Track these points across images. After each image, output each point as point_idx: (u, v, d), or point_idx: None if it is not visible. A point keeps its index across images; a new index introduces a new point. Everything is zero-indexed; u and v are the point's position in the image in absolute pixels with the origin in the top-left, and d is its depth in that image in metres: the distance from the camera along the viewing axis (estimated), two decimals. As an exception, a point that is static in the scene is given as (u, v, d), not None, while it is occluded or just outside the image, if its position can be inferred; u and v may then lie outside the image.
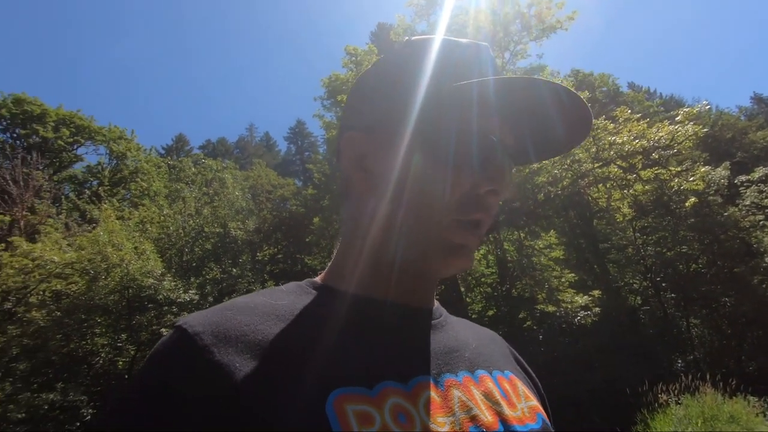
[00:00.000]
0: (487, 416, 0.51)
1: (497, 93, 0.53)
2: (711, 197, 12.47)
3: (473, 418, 0.49)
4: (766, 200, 11.91)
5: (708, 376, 6.78)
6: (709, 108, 30.47)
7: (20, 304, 8.42)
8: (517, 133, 0.59)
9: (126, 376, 9.28)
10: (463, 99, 0.53)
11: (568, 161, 7.28)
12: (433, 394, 0.49)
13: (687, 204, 6.94)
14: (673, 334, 13.89)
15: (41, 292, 8.91)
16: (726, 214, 12.05)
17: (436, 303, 0.66)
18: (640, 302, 17.14)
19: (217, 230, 11.00)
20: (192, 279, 9.74)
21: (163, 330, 8.17)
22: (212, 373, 0.42)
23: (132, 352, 9.15)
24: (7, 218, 12.03)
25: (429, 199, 0.54)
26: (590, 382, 10.03)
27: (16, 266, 8.41)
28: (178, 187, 11.82)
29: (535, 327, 13.75)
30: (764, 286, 11.22)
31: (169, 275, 8.92)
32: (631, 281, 17.64)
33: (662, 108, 20.75)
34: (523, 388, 0.61)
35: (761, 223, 11.45)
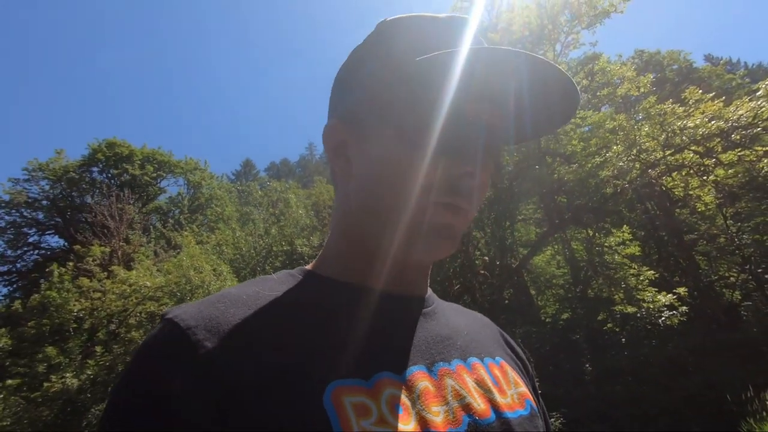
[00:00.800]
0: (480, 404, 0.51)
1: (472, 66, 0.49)
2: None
3: (466, 406, 0.50)
4: None
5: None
6: (808, 72, 26.81)
7: (122, 325, 9.44)
8: (503, 109, 0.56)
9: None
10: (429, 75, 0.50)
11: (635, 151, 6.76)
12: (428, 383, 0.50)
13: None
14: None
15: (138, 314, 9.95)
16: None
17: (429, 291, 0.66)
18: (740, 297, 15.37)
19: (285, 248, 11.62)
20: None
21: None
22: (206, 368, 0.41)
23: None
24: (108, 249, 13.62)
25: (403, 184, 0.53)
26: (685, 388, 9.16)
27: (117, 292, 9.48)
28: (248, 210, 12.68)
29: (617, 329, 12.82)
30: None
31: (244, 294, 9.57)
32: (726, 274, 15.89)
33: (747, 79, 18.61)
34: (513, 374, 0.61)
35: None
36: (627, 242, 8.45)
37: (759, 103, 5.86)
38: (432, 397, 0.48)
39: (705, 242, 16.32)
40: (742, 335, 11.77)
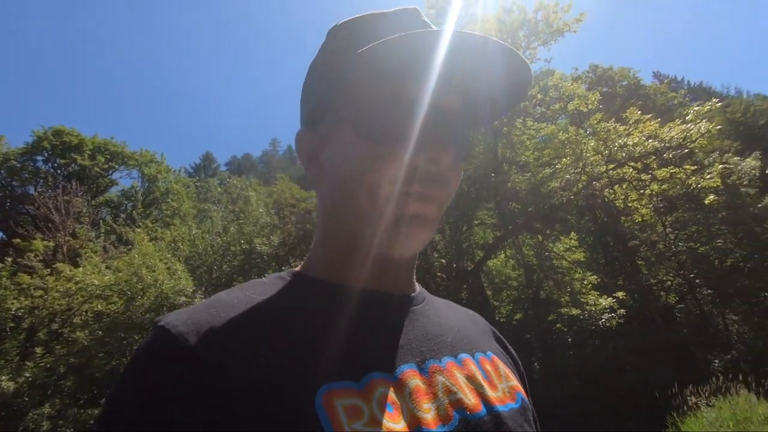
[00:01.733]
0: (471, 399, 0.52)
1: (416, 51, 0.49)
2: (743, 188, 12.02)
3: (457, 402, 0.50)
4: (801, 190, 11.40)
5: (741, 377, 6.56)
6: (741, 94, 29.26)
7: (65, 325, 8.99)
8: (457, 92, 0.55)
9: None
10: (372, 66, 0.51)
11: (581, 164, 7.28)
12: (419, 381, 0.50)
13: (706, 201, 6.78)
14: (709, 333, 13.38)
15: (84, 313, 9.50)
16: (760, 205, 11.59)
17: (418, 287, 0.66)
18: (675, 300, 16.57)
19: (244, 246, 11.43)
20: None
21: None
22: (199, 373, 0.42)
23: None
24: (51, 244, 12.85)
25: (370, 178, 0.53)
26: (623, 386, 9.76)
27: (61, 289, 9.01)
28: (206, 207, 12.36)
29: (565, 329, 13.49)
30: (805, 279, 10.69)
31: (200, 292, 9.35)
32: (664, 278, 17.10)
33: (689, 98, 20.08)
34: (503, 368, 0.62)
35: (797, 213, 10.96)
36: (573, 248, 8.99)
37: (688, 126, 6.50)
38: (423, 394, 0.49)
39: (646, 248, 17.50)
40: (675, 336, 12.73)
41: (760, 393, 6.30)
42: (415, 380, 0.50)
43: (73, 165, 18.36)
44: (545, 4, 7.97)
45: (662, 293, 16.85)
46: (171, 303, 8.74)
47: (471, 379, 0.55)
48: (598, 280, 9.17)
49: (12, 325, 9.53)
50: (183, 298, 8.63)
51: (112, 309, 9.28)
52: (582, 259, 9.43)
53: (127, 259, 8.75)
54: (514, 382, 0.61)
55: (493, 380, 0.58)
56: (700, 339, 13.08)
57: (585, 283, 8.83)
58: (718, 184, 7.10)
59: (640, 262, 17.07)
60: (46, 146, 18.20)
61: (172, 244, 11.88)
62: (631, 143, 6.74)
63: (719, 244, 13.95)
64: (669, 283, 16.88)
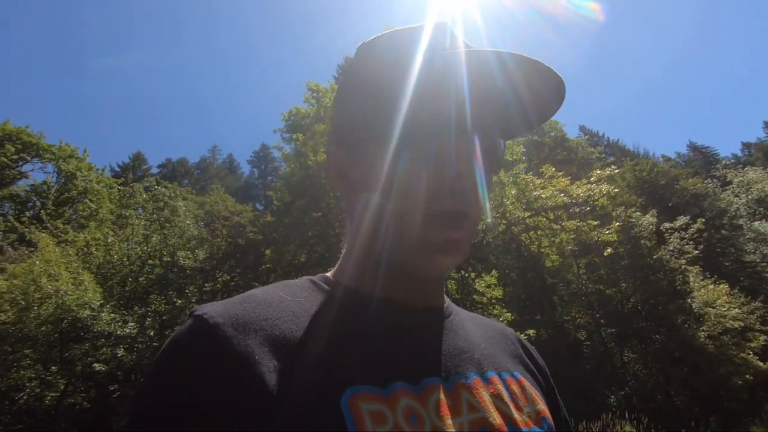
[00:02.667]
0: (495, 418, 0.51)
1: (449, 70, 0.52)
2: (642, 240, 13.54)
3: (481, 421, 0.50)
4: (686, 246, 13.08)
5: (627, 414, 7.24)
6: (648, 154, 33.19)
7: (-61, 334, 7.92)
8: (491, 107, 0.57)
9: (53, 412, 8.77)
10: (400, 86, 0.53)
11: (501, 210, 7.93)
12: (443, 396, 0.50)
13: (605, 253, 7.65)
14: (608, 370, 14.61)
15: (-36, 321, 8.39)
16: (655, 256, 13.09)
17: (447, 300, 0.66)
18: (584, 337, 17.96)
19: (166, 259, 10.81)
20: (136, 308, 9.46)
21: (96, 364, 7.87)
22: (234, 365, 0.43)
23: (62, 386, 8.70)
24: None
25: (399, 198, 0.54)
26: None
27: (-62, 293, 7.94)
28: (127, 213, 11.59)
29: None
30: (686, 326, 12.17)
31: (108, 306, 8.66)
32: (576, 316, 18.53)
33: (604, 155, 22.41)
34: (530, 390, 0.60)
35: (682, 267, 12.53)
36: (493, 285, 9.62)
37: (592, 186, 7.43)
38: (447, 409, 0.49)
39: (562, 287, 18.92)
40: (579, 370, 13.79)
41: (641, 429, 6.98)
42: (439, 394, 0.50)
43: (-26, 152, 16.45)
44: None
45: (574, 330, 18.28)
46: (73, 316, 8.02)
47: (497, 398, 0.54)
48: (513, 317, 9.80)
49: None
50: (87, 311, 7.95)
51: (1, 318, 8.32)
52: (500, 296, 10.06)
53: (25, 265, 7.93)
54: (541, 405, 0.59)
55: (519, 402, 0.56)
56: (600, 374, 14.30)
57: (501, 319, 9.41)
58: (615, 238, 8.05)
59: (555, 299, 18.42)
60: (-56, 127, 16.20)
61: (84, 249, 10.94)
62: (544, 196, 7.51)
63: (623, 286, 15.49)
64: (579, 320, 18.37)
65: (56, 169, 18.76)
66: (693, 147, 42.96)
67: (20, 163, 18.22)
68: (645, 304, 15.14)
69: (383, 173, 0.55)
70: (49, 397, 8.60)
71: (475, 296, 9.46)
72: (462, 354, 0.57)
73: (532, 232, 8.45)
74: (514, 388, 0.58)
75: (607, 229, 7.52)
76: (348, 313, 0.55)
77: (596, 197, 7.32)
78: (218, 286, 15.20)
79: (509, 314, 9.60)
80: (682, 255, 12.50)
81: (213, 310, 0.48)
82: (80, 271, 8.50)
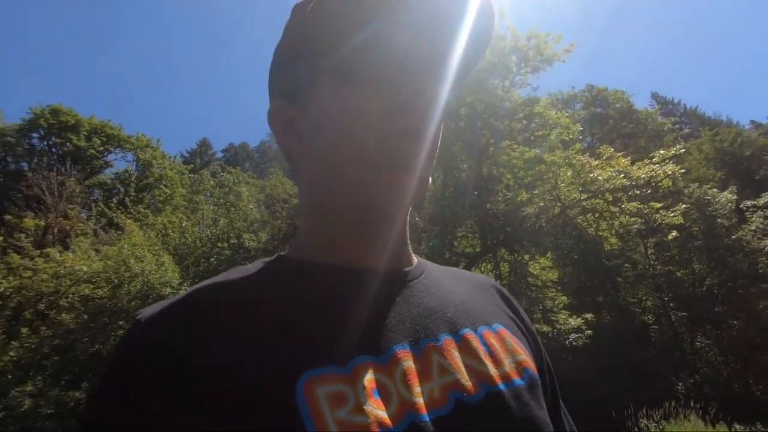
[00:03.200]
0: (468, 380, 0.49)
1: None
2: (719, 219, 12.49)
3: (453, 384, 0.48)
4: (772, 226, 11.89)
5: (692, 402, 6.93)
6: (731, 122, 29.90)
7: (52, 306, 9.22)
8: (431, 40, 0.54)
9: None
10: (351, 19, 0.51)
11: (555, 193, 7.67)
12: (411, 363, 0.47)
13: (669, 237, 7.18)
14: (677, 356, 13.85)
15: (71, 296, 9.71)
16: (734, 237, 12.04)
17: (417, 260, 0.63)
18: (652, 320, 17.03)
19: (232, 241, 11.69)
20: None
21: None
22: (175, 367, 0.41)
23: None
24: (42, 223, 13.01)
25: (360, 128, 0.52)
26: (586, 401, 10.10)
27: (50, 272, 9.22)
28: (197, 198, 12.60)
29: (544, 341, 13.86)
30: (768, 311, 11.19)
31: (186, 284, 9.59)
32: (642, 298, 17.57)
33: (678, 126, 20.55)
34: (512, 341, 0.58)
35: (766, 248, 11.43)
36: (547, 268, 9.40)
37: (654, 167, 6.96)
38: (415, 377, 0.46)
39: (628, 267, 17.94)
40: (644, 355, 13.19)
41: (707, 420, 6.65)
42: (407, 362, 0.47)
43: (68, 145, 18.44)
44: (537, 33, 8.32)
45: (638, 313, 17.37)
46: (157, 293, 9.00)
47: (471, 356, 0.51)
48: (570, 300, 9.57)
49: (-1, 302, 9.69)
50: (168, 290, 8.88)
51: (99, 294, 9.50)
52: (555, 279, 9.83)
53: (116, 248, 8.99)
54: (522, 356, 0.56)
55: (499, 355, 0.54)
56: (667, 360, 13.58)
57: (557, 302, 9.24)
58: (680, 221, 7.53)
59: (620, 280, 17.54)
60: (43, 124, 18.26)
61: (162, 231, 12.11)
62: (601, 178, 7.17)
63: (696, 268, 14.42)
64: (646, 303, 17.40)
65: (135, 158, 20.62)
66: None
67: (105, 154, 20.21)
68: (722, 287, 14.04)
69: (338, 103, 0.53)
70: (140, 363, 9.78)
71: (529, 279, 9.34)
72: (433, 314, 0.54)
73: (590, 214, 8.12)
74: (492, 340, 0.56)
75: (672, 212, 7.06)
76: (300, 288, 0.52)
77: (660, 178, 6.86)
78: (280, 265, 16.18)
79: (564, 297, 9.39)
80: (767, 235, 11.38)
81: (153, 310, 0.47)
82: (161, 253, 9.47)
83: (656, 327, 16.53)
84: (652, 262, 16.39)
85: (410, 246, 0.63)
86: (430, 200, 9.56)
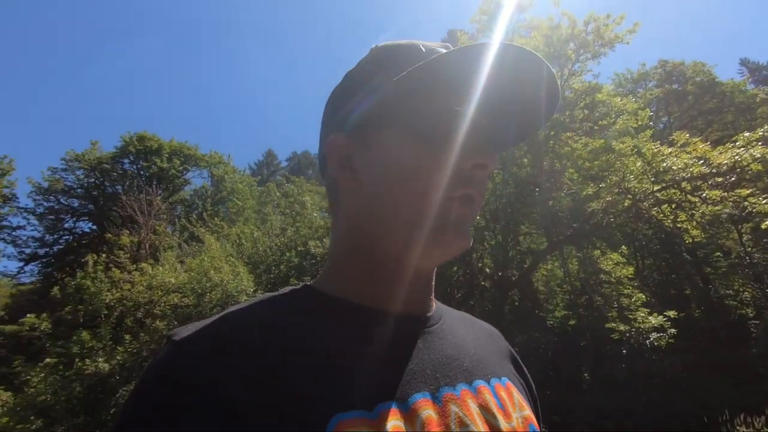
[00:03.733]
0: (483, 431, 0.51)
1: (476, 66, 0.53)
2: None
3: None
4: None
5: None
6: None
7: (148, 315, 10.33)
8: (492, 115, 0.59)
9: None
10: (430, 80, 0.54)
11: (624, 185, 7.13)
12: (431, 411, 0.49)
13: (762, 226, 6.36)
14: (782, 355, 12.30)
15: (162, 305, 10.80)
16: None
17: (436, 305, 0.65)
18: (752, 314, 15.28)
19: (300, 248, 12.31)
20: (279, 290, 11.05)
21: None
22: (208, 395, 0.42)
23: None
24: (135, 239, 14.59)
25: (417, 183, 0.54)
26: (676, 404, 9.35)
27: (144, 284, 10.33)
28: (266, 210, 13.44)
29: (623, 339, 12.98)
30: None
31: (259, 291, 10.29)
32: (740, 290, 15.82)
33: (774, 94, 18.16)
34: (518, 396, 0.61)
35: None
36: (621, 263, 8.78)
37: (739, 151, 6.17)
38: (435, 425, 0.48)
39: (719, 256, 16.23)
40: (742, 354, 11.87)
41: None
42: (427, 410, 0.48)
43: (153, 167, 20.48)
44: (596, 16, 7.82)
45: (736, 306, 15.66)
46: (234, 300, 9.75)
47: (485, 409, 0.53)
48: (648, 298, 8.88)
49: (106, 312, 11.01)
50: (244, 297, 9.60)
51: (186, 302, 10.48)
52: (631, 275, 9.16)
53: (197, 260, 9.89)
54: (528, 411, 0.60)
55: (508, 409, 0.56)
56: (772, 361, 12.11)
57: (633, 300, 8.62)
58: (772, 209, 6.65)
59: (708, 271, 15.94)
60: (132, 150, 20.46)
61: (237, 241, 13.07)
62: (675, 168, 6.53)
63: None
64: (743, 294, 15.64)
65: (210, 175, 22.38)
66: None
67: (184, 173, 22.17)
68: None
69: (402, 156, 0.56)
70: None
71: (602, 276, 8.79)
72: (451, 362, 0.56)
73: (665, 206, 7.47)
74: (503, 393, 0.58)
75: (764, 198, 6.25)
76: (331, 326, 0.53)
77: (746, 163, 6.11)
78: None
79: (642, 295, 8.73)
80: None
81: (188, 332, 0.48)
82: (236, 263, 10.26)
83: (757, 322, 14.79)
84: (749, 249, 14.72)
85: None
86: (491, 197, 9.38)
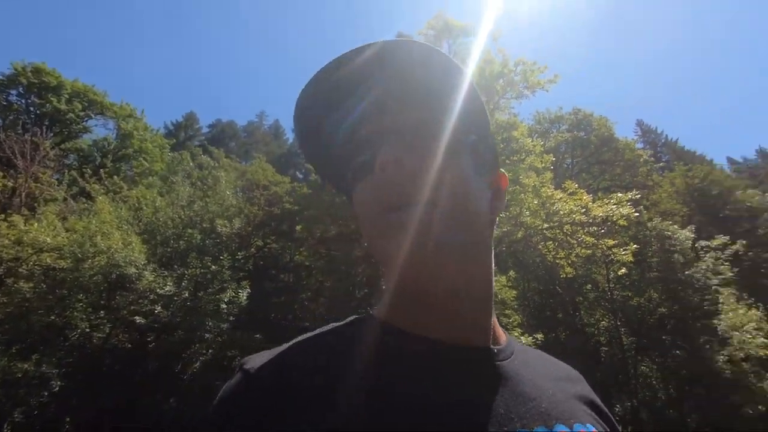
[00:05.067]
0: None
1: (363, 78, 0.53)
2: (676, 255, 13.14)
3: None
4: (722, 267, 12.60)
5: (629, 428, 7.34)
6: (704, 159, 31.13)
7: (10, 274, 9.10)
8: (410, 103, 0.55)
9: (99, 350, 9.96)
10: (307, 123, 0.56)
11: (520, 220, 8.04)
12: None
13: (619, 273, 7.64)
14: (619, 378, 14.53)
15: (32, 264, 9.59)
16: (687, 272, 12.71)
17: (506, 337, 0.61)
18: (605, 341, 17.75)
19: (205, 225, 11.69)
20: (175, 267, 10.42)
21: (137, 317, 8.85)
22: (276, 423, 0.42)
23: (108, 329, 9.84)
24: (9, 184, 12.71)
25: (365, 219, 0.55)
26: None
27: (12, 238, 9.08)
28: (175, 179, 12.53)
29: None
30: (707, 347, 11.90)
31: (150, 266, 9.59)
32: (600, 319, 18.26)
33: (660, 153, 21.27)
34: None
35: (714, 287, 12.14)
36: (506, 287, 9.79)
37: (612, 208, 7.45)
38: None
39: (589, 288, 18.57)
40: (593, 376, 13.81)
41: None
42: None
43: (47, 106, 17.95)
44: (525, 60, 8.64)
45: (594, 333, 18.07)
46: (120, 271, 9.00)
47: None
48: (524, 320, 9.97)
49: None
50: (133, 269, 8.89)
51: (61, 265, 9.42)
52: (512, 298, 10.24)
53: (84, 222, 8.94)
54: None
55: None
56: (611, 382, 14.24)
57: (511, 320, 9.63)
58: (631, 259, 8.04)
59: (579, 300, 18.19)
60: (23, 81, 17.72)
61: (135, 205, 12.00)
62: (562, 212, 7.58)
63: (654, 296, 15.10)
64: (602, 323, 18.10)
65: (116, 127, 20.20)
66: (762, 153, 39.62)
67: (85, 119, 19.73)
68: (671, 318, 14.77)
69: (355, 201, 0.58)
70: (96, 337, 9.76)
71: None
72: (528, 402, 0.51)
73: (550, 242, 8.55)
74: None
75: (624, 250, 7.56)
76: (394, 360, 0.51)
77: (616, 218, 7.37)
78: (252, 250, 16.22)
79: (518, 317, 9.80)
80: (717, 275, 12.08)
81: (258, 362, 0.49)
82: (129, 231, 9.46)
83: (607, 348, 17.22)
84: (612, 285, 17.07)
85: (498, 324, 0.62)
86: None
